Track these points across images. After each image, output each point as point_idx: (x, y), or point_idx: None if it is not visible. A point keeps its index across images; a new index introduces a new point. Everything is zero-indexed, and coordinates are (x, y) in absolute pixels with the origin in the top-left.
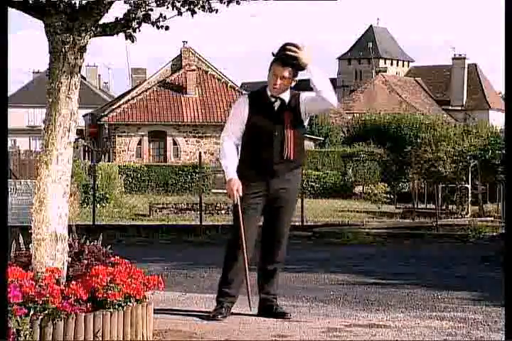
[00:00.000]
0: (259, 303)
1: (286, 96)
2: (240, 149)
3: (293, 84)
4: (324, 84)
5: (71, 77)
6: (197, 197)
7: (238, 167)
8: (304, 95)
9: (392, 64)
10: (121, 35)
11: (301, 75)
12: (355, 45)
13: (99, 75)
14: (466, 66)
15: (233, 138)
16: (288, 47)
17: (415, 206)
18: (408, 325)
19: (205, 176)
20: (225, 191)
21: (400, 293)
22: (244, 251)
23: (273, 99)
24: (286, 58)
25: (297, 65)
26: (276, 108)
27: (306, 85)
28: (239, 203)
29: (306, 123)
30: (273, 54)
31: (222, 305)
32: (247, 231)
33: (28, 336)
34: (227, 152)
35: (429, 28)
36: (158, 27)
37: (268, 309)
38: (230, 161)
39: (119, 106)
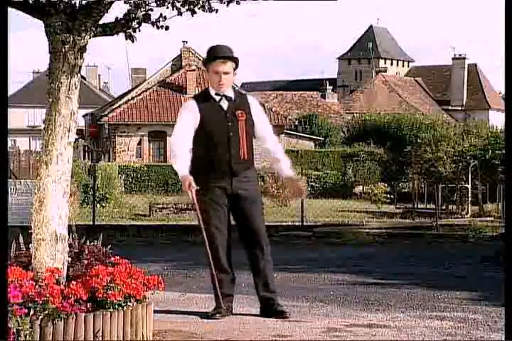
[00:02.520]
0: (259, 303)
1: (230, 92)
2: (192, 153)
3: (235, 78)
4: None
5: (71, 77)
6: None
7: (196, 170)
8: (258, 112)
9: (392, 64)
10: (121, 35)
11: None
12: (355, 45)
13: (99, 75)
14: (466, 66)
15: (184, 141)
16: (216, 47)
17: (415, 206)
18: (408, 325)
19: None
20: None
21: (400, 293)
22: (209, 254)
23: (218, 98)
24: (223, 53)
25: (233, 58)
26: (225, 108)
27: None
28: (195, 202)
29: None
30: (203, 61)
31: (220, 305)
32: (220, 232)
33: (28, 336)
34: (178, 155)
35: (429, 28)
36: (158, 27)
37: (268, 308)
38: (181, 163)
39: (119, 106)
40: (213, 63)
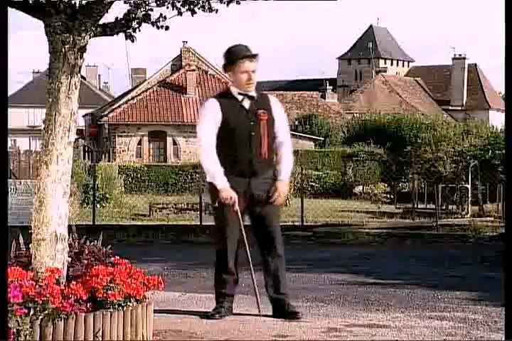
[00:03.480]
0: (271, 303)
1: (252, 92)
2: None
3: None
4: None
5: (71, 77)
6: (197, 197)
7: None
8: (278, 112)
9: (392, 64)
10: (121, 35)
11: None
12: (355, 45)
13: (99, 75)
14: (466, 66)
15: (211, 140)
16: (237, 47)
17: (415, 206)
18: (408, 325)
19: (205, 176)
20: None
21: (400, 293)
22: (248, 252)
23: (241, 97)
24: (249, 51)
25: (257, 55)
26: (247, 107)
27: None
28: (238, 208)
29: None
30: (226, 63)
31: (221, 305)
32: (231, 233)
33: (28, 336)
34: (212, 157)
35: (429, 28)
36: (158, 27)
37: (280, 309)
38: (217, 167)
39: (119, 106)
40: (241, 63)
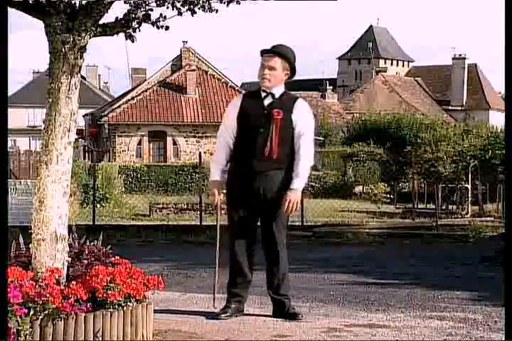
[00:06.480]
0: (272, 304)
1: (277, 91)
2: (234, 145)
3: (284, 78)
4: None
5: (71, 77)
6: (197, 197)
7: (233, 165)
8: (301, 116)
9: (392, 64)
10: (121, 35)
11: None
12: (355, 45)
13: (99, 75)
14: (466, 66)
15: (225, 135)
16: (273, 45)
17: (415, 206)
18: (408, 325)
19: (205, 176)
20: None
21: (400, 293)
22: (217, 252)
23: (264, 94)
24: (273, 48)
25: (281, 54)
26: (266, 104)
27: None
28: (218, 204)
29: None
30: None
31: (228, 305)
32: (238, 231)
33: (28, 336)
34: (216, 152)
35: (429, 28)
36: (158, 27)
37: (280, 309)
38: (216, 163)
39: (119, 106)
40: (262, 58)
